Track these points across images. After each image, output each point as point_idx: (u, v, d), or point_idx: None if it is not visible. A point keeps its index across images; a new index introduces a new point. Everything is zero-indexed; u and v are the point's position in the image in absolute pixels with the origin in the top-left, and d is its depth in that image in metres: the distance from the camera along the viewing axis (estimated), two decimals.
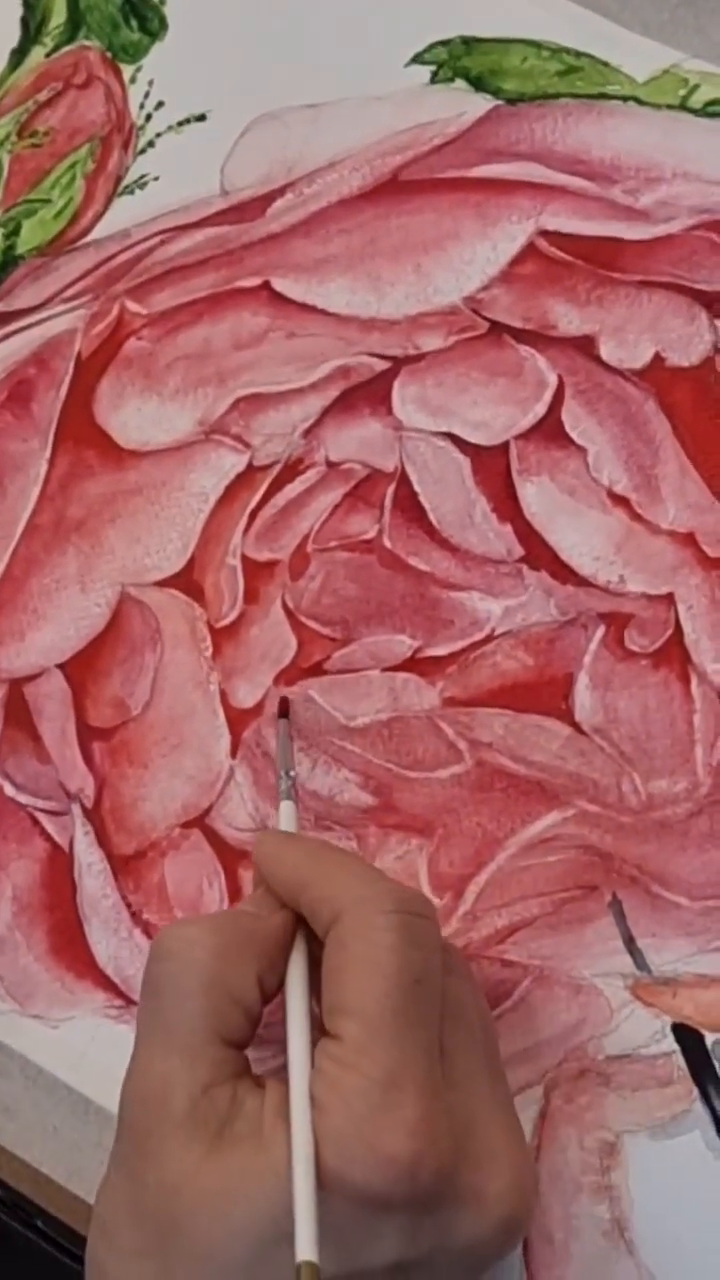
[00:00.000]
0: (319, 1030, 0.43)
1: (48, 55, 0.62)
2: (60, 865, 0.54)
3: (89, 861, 0.53)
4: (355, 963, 0.42)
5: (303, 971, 0.45)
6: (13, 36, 0.62)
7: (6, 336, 0.59)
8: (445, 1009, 0.43)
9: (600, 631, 0.52)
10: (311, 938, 0.45)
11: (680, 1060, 0.48)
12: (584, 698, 0.51)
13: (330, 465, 0.55)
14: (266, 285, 0.57)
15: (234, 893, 0.52)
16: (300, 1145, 0.40)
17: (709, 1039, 0.48)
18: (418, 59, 0.58)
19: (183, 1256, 0.41)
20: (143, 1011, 0.44)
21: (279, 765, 0.51)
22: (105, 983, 0.53)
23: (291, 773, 0.51)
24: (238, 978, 0.43)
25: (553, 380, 0.54)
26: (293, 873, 0.45)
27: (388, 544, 0.54)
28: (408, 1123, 0.39)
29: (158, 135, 0.60)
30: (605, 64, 0.57)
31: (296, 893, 0.45)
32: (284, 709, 0.52)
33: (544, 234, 0.55)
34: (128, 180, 0.60)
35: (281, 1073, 0.42)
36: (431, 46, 0.58)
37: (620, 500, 0.53)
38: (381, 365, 0.55)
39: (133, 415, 0.57)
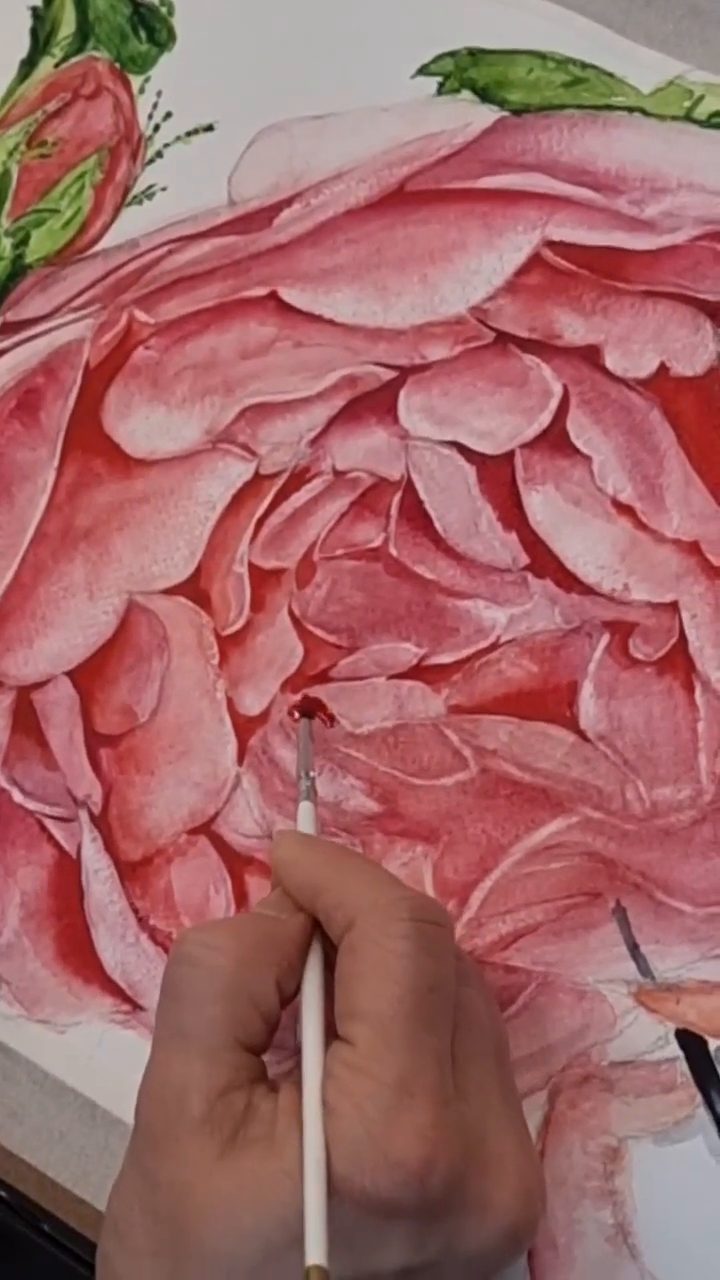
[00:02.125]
0: (331, 1034, 0.43)
1: (57, 66, 0.62)
2: (68, 871, 0.54)
3: (96, 868, 0.54)
4: (369, 969, 0.42)
5: (319, 976, 0.45)
6: (22, 47, 0.63)
7: (15, 345, 0.59)
8: (458, 1017, 0.43)
9: (605, 640, 0.52)
10: (327, 941, 0.45)
11: (684, 1066, 0.48)
12: (588, 705, 0.52)
13: (336, 474, 0.55)
14: (273, 295, 0.57)
15: (240, 898, 0.52)
16: (312, 1149, 0.40)
17: (712, 1045, 0.48)
18: (424, 70, 0.58)
19: (193, 1257, 0.41)
20: (162, 1013, 0.44)
21: (299, 765, 0.51)
22: (112, 988, 0.53)
23: (311, 773, 0.50)
24: (257, 984, 0.43)
25: (558, 390, 0.54)
26: (309, 876, 0.45)
27: (393, 552, 0.54)
28: (419, 1128, 0.40)
29: (166, 146, 0.60)
30: (610, 75, 0.57)
31: (312, 896, 0.45)
32: (307, 708, 0.53)
33: (549, 244, 0.56)
34: (136, 190, 0.60)
35: (295, 1076, 0.43)
36: (438, 58, 0.58)
37: (625, 509, 0.53)
38: (388, 375, 0.56)
39: (140, 424, 0.57)
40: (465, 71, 0.58)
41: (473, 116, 0.57)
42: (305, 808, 0.49)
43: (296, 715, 0.53)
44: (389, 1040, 0.41)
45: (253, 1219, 0.40)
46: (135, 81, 0.61)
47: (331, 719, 0.53)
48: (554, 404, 0.54)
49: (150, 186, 0.60)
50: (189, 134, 0.60)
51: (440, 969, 0.42)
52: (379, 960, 0.42)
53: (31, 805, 0.55)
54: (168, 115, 0.60)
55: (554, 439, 0.54)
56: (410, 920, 0.42)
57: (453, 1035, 0.43)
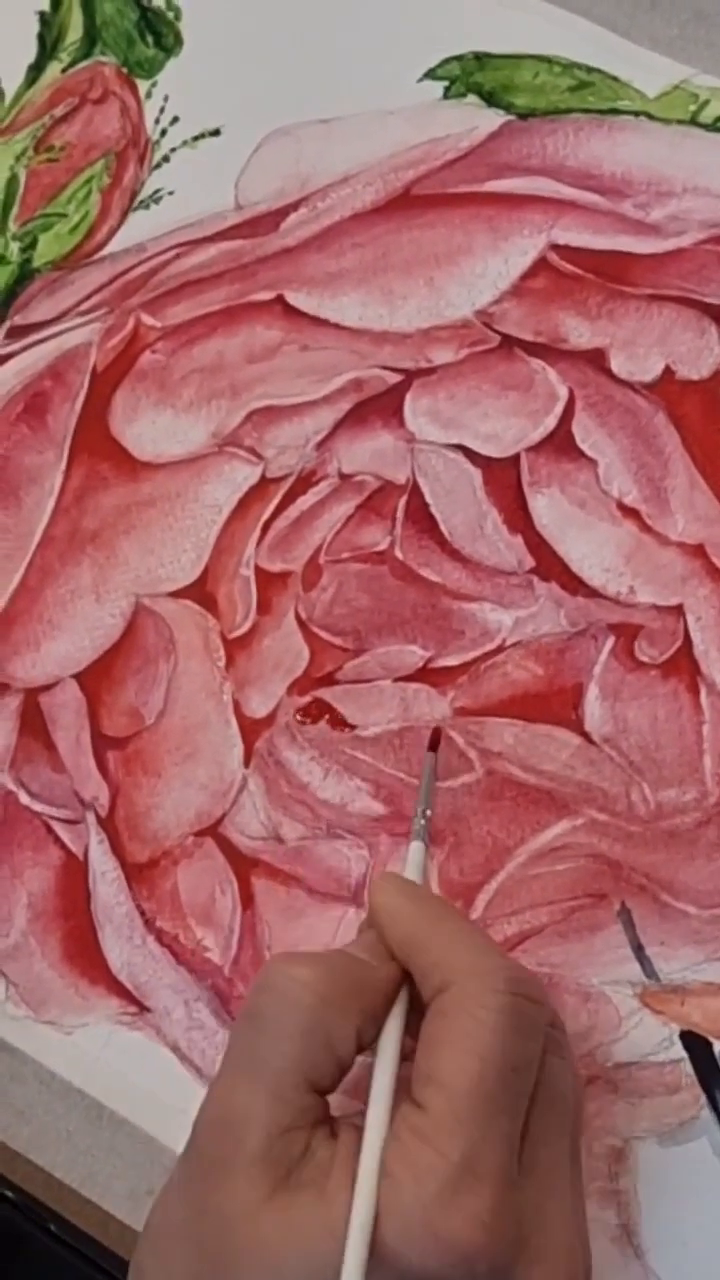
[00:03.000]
0: (402, 1093, 0.42)
1: (64, 71, 0.62)
2: (74, 873, 0.54)
3: (103, 869, 0.54)
4: (455, 1037, 0.41)
5: (398, 1032, 0.44)
6: (29, 52, 0.63)
7: (23, 349, 0.59)
8: (539, 1092, 0.42)
9: (610, 642, 0.52)
10: (413, 995, 0.44)
11: (688, 1067, 0.49)
12: (594, 708, 0.52)
13: (343, 477, 0.55)
14: (280, 299, 0.58)
15: (246, 900, 0.53)
16: (360, 1212, 0.39)
17: (717, 1046, 0.49)
18: (430, 74, 0.59)
19: None
20: (237, 1038, 0.43)
21: (419, 803, 0.50)
22: (118, 989, 0.53)
23: (428, 812, 0.49)
24: (338, 1027, 0.42)
25: (563, 393, 0.54)
26: (409, 930, 0.44)
27: (399, 555, 0.54)
28: (476, 1213, 0.39)
29: (172, 150, 0.60)
30: (616, 79, 0.57)
31: (409, 951, 0.44)
32: (434, 743, 0.51)
33: (555, 248, 0.56)
34: (143, 195, 0.60)
35: (359, 1123, 0.42)
36: (444, 62, 0.59)
37: (630, 512, 0.53)
38: (394, 378, 0.56)
39: (147, 428, 0.57)
40: (471, 76, 0.58)
41: (479, 120, 0.58)
42: (416, 849, 0.48)
43: (304, 724, 0.53)
44: (462, 1115, 0.40)
45: (293, 1269, 0.40)
46: (142, 86, 0.61)
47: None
48: (559, 407, 0.54)
49: (157, 191, 0.60)
50: (196, 138, 0.60)
51: (527, 1048, 0.42)
52: (468, 1030, 0.41)
53: (38, 807, 0.55)
54: (174, 120, 0.61)
55: (559, 442, 0.54)
56: (507, 993, 0.41)
57: (530, 1108, 0.42)
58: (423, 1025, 0.42)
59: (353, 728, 0.53)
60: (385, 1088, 0.42)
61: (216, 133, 0.60)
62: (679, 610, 0.52)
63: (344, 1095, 0.43)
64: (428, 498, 0.54)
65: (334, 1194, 0.40)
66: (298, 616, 0.54)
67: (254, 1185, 0.40)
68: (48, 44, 0.63)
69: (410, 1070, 0.42)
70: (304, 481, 0.56)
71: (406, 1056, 0.43)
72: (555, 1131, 0.43)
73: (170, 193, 0.60)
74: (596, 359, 0.55)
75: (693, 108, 0.56)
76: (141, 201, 0.60)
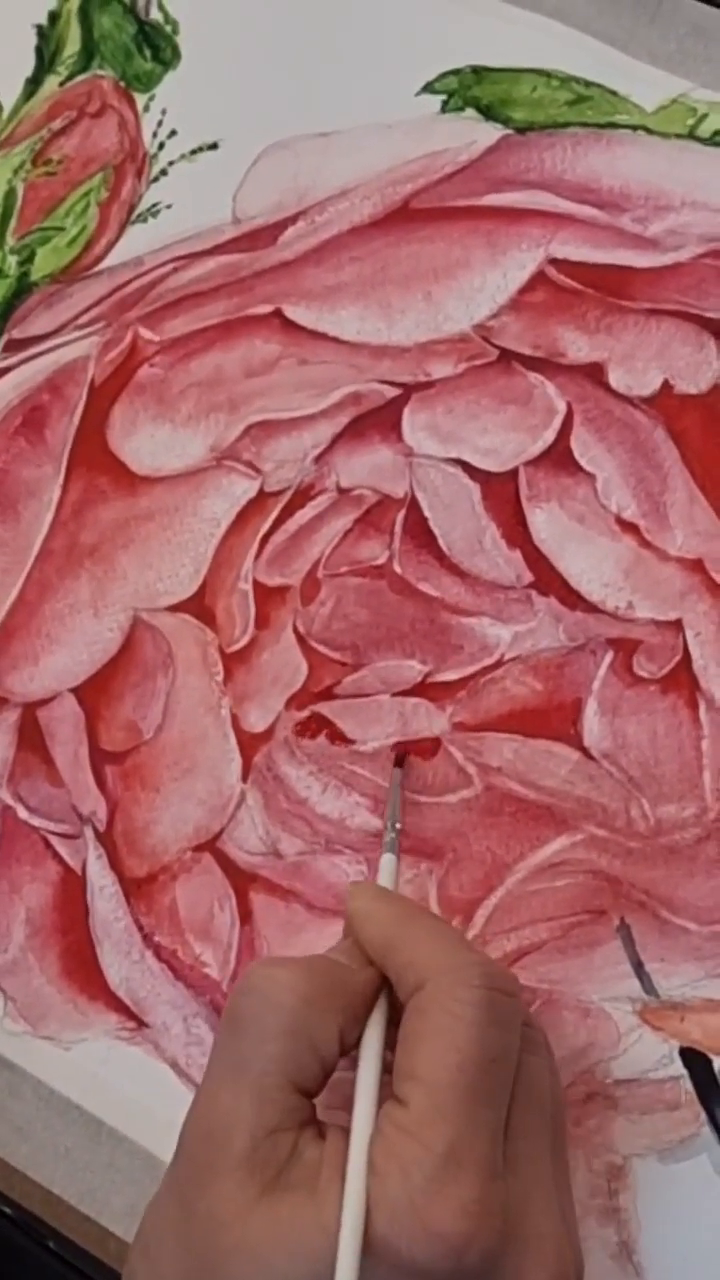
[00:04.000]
0: (385, 1093, 0.42)
1: (62, 84, 0.62)
2: (73, 888, 0.54)
3: (101, 884, 0.54)
4: (433, 1032, 0.42)
5: (380, 1031, 0.44)
6: (27, 65, 0.63)
7: (21, 363, 0.59)
8: (518, 1088, 0.43)
9: (609, 657, 0.52)
10: (393, 999, 0.45)
11: (688, 1084, 0.49)
12: (593, 723, 0.52)
13: (341, 491, 0.55)
14: (278, 313, 0.57)
15: (244, 915, 0.53)
16: (351, 1207, 0.40)
17: (717, 1063, 0.49)
18: (428, 88, 0.59)
19: None
20: (220, 1043, 0.44)
21: (388, 817, 0.51)
22: (117, 1005, 0.53)
23: (398, 825, 0.50)
24: (321, 1028, 0.43)
25: (562, 407, 0.54)
26: (382, 932, 0.45)
27: (398, 569, 0.54)
28: (463, 1202, 0.39)
29: (170, 164, 0.60)
30: (614, 93, 0.57)
31: (384, 953, 0.44)
32: (400, 759, 0.52)
33: (553, 262, 0.56)
34: (141, 208, 0.60)
35: (344, 1124, 0.42)
36: (442, 76, 0.58)
37: (629, 527, 0.53)
38: (392, 392, 0.56)
39: (145, 441, 0.57)
40: (469, 89, 0.58)
41: (477, 134, 0.58)
42: (388, 860, 0.49)
43: (302, 739, 0.53)
44: (444, 1108, 0.40)
45: (285, 1267, 0.40)
46: (140, 99, 0.61)
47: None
48: (558, 422, 0.54)
49: (155, 204, 0.60)
50: (194, 152, 0.60)
51: (505, 1040, 0.42)
52: (445, 1025, 0.41)
53: (36, 822, 0.55)
54: (172, 133, 0.61)
55: (558, 457, 0.54)
56: (481, 988, 0.42)
57: (510, 1105, 0.42)
58: (402, 1023, 0.43)
59: (351, 742, 0.53)
60: (369, 1086, 0.43)
61: (214, 146, 0.60)
62: (678, 625, 0.52)
63: (326, 1107, 0.44)
64: (426, 512, 0.54)
65: (324, 1193, 0.40)
66: (296, 631, 0.54)
67: (242, 1187, 0.41)
68: (45, 57, 0.63)
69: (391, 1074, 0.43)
70: (302, 495, 0.56)
71: (387, 1067, 0.43)
72: (536, 1127, 0.43)
73: (168, 206, 0.60)
74: (595, 373, 0.55)
75: (691, 122, 0.56)
76: (139, 215, 0.60)
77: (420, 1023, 0.42)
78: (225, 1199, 0.41)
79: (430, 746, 0.52)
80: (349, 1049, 0.44)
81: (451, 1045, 0.41)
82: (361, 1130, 0.41)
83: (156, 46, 0.62)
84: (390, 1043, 0.44)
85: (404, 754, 0.52)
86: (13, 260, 0.60)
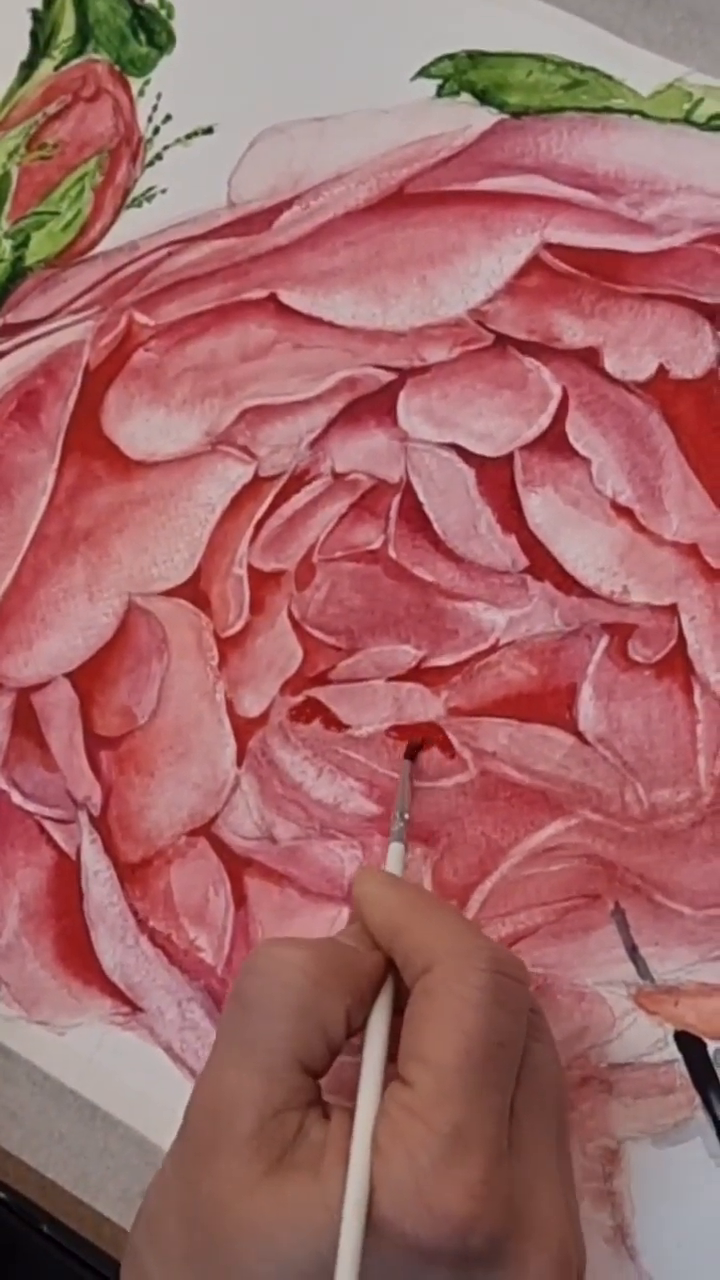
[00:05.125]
0: (390, 1075, 0.42)
1: (56, 68, 0.62)
2: (67, 873, 0.54)
3: (96, 869, 0.54)
4: (440, 1014, 0.42)
5: (386, 1014, 0.44)
6: (22, 49, 0.63)
7: (15, 348, 0.59)
8: (523, 1072, 0.43)
9: (604, 642, 0.52)
10: (399, 983, 0.44)
11: (682, 1068, 0.49)
12: (588, 708, 0.52)
13: (336, 476, 0.55)
14: (273, 297, 0.57)
15: (239, 900, 0.53)
16: (355, 1186, 0.40)
17: (711, 1047, 0.49)
18: (424, 72, 0.58)
19: (223, 1274, 0.41)
20: (227, 1021, 0.44)
21: (397, 806, 0.51)
22: (111, 989, 0.53)
23: (405, 815, 0.50)
24: (329, 1008, 0.42)
25: (557, 392, 0.54)
26: (389, 916, 0.45)
27: (393, 554, 0.54)
28: (468, 1184, 0.39)
29: (165, 148, 0.60)
30: (610, 78, 0.57)
31: (391, 937, 0.44)
32: (412, 751, 0.52)
33: (549, 246, 0.56)
34: (136, 193, 0.60)
35: (350, 1105, 0.42)
36: (437, 60, 0.58)
37: (624, 511, 0.53)
38: (387, 377, 0.56)
39: (140, 426, 0.57)
40: (464, 74, 0.58)
41: (472, 119, 0.57)
42: (396, 849, 0.49)
43: (297, 724, 0.53)
44: (449, 1090, 0.40)
45: (289, 1245, 0.40)
46: (135, 84, 0.61)
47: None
48: (553, 406, 0.54)
49: (150, 189, 0.60)
50: (189, 136, 0.60)
51: (512, 1024, 0.42)
52: (452, 1008, 0.41)
53: (31, 807, 0.55)
54: (167, 118, 0.60)
55: (553, 441, 0.54)
56: (488, 971, 0.42)
57: (516, 1090, 0.42)
58: (408, 1005, 0.43)
59: (346, 727, 0.53)
60: (375, 1068, 0.43)
61: (209, 131, 0.60)
62: (673, 610, 0.52)
63: (329, 1091, 0.44)
64: (421, 497, 0.54)
65: (329, 1172, 0.40)
66: (291, 616, 0.54)
67: (248, 1165, 0.41)
68: (40, 41, 0.62)
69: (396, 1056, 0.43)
70: (297, 480, 0.55)
71: (391, 1054, 0.43)
72: (540, 1113, 0.43)
73: (163, 191, 0.60)
74: (590, 358, 0.54)
75: (686, 106, 0.56)
76: (134, 199, 0.60)
77: (427, 1005, 0.42)
78: (230, 1178, 0.41)
79: (440, 737, 0.52)
80: (355, 1031, 0.44)
81: (459, 1028, 0.41)
82: (366, 1109, 0.41)
83: (151, 31, 0.62)
84: (394, 1027, 0.44)
85: (417, 747, 0.52)
86: (7, 245, 0.60)
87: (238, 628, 0.55)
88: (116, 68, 0.61)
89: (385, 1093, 0.42)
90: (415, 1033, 0.42)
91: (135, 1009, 0.53)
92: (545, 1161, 0.42)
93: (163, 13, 0.62)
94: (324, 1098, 0.43)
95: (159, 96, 0.61)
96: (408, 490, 0.54)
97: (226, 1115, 0.42)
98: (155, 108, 0.61)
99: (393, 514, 0.54)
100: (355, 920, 0.46)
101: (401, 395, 0.55)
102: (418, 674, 0.53)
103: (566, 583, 0.53)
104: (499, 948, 0.44)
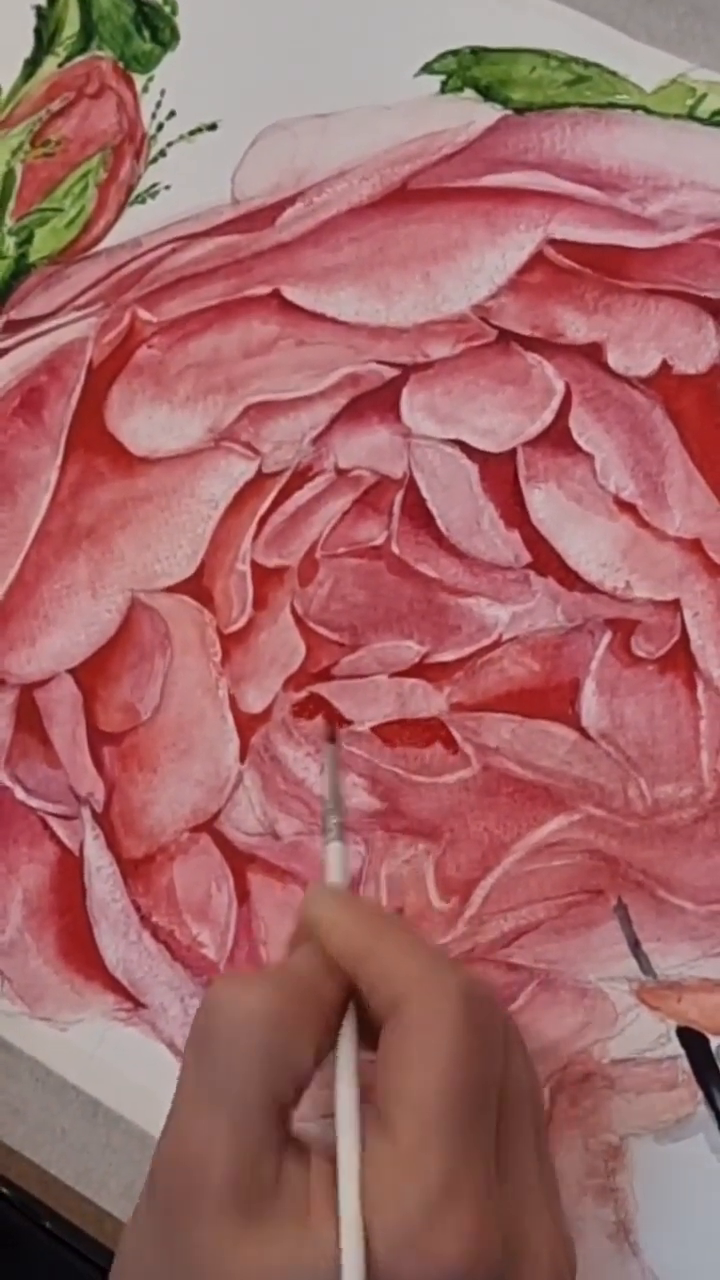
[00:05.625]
0: (367, 1104, 0.41)
1: (60, 65, 0.62)
2: (70, 869, 0.54)
3: (99, 865, 0.54)
4: (420, 1056, 0.40)
5: (353, 1048, 0.42)
6: (26, 46, 0.63)
7: (19, 344, 0.59)
8: (503, 1093, 0.42)
9: (607, 637, 0.52)
10: (361, 1006, 0.43)
11: (685, 1064, 0.49)
12: (590, 703, 0.52)
13: (339, 472, 0.55)
14: (276, 294, 0.57)
15: (242, 896, 0.53)
16: (350, 1243, 0.38)
17: (713, 1043, 0.49)
18: (427, 69, 0.58)
19: None
20: (190, 1069, 0.42)
21: (328, 801, 0.48)
22: (114, 985, 0.53)
23: (341, 808, 0.48)
24: (296, 1047, 0.41)
25: (560, 388, 0.54)
26: (350, 943, 0.43)
27: (396, 550, 0.54)
28: (462, 1230, 0.38)
29: (169, 145, 0.60)
30: (613, 73, 0.57)
31: (354, 963, 0.42)
32: (331, 733, 0.51)
33: (552, 242, 0.56)
34: (139, 189, 0.60)
35: (324, 1143, 0.41)
36: (441, 56, 0.58)
37: (627, 507, 0.53)
38: (390, 373, 0.56)
39: (143, 422, 0.57)
40: (468, 70, 0.58)
41: (475, 115, 0.57)
42: (335, 850, 0.47)
43: (300, 720, 0.53)
44: (435, 1135, 0.39)
45: None
46: (139, 80, 0.61)
47: (342, 722, 0.52)
48: (556, 402, 0.54)
49: (154, 185, 0.60)
50: (192, 133, 0.60)
51: (491, 1055, 0.41)
52: (430, 1047, 0.40)
53: (34, 803, 0.55)
54: (171, 114, 0.60)
55: (556, 437, 0.54)
56: (462, 1001, 0.40)
57: (497, 1114, 0.41)
58: (381, 1039, 0.41)
59: (349, 723, 0.53)
60: (351, 1108, 0.41)
61: (213, 127, 0.60)
62: (676, 605, 0.52)
63: (299, 1119, 0.42)
64: (424, 493, 0.54)
65: (317, 1225, 0.39)
66: (294, 612, 0.54)
67: (228, 1220, 0.39)
68: (44, 38, 0.62)
69: (369, 1077, 0.41)
70: (300, 477, 0.55)
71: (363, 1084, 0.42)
72: (522, 1131, 0.42)
73: (167, 187, 0.60)
74: (593, 353, 0.54)
75: (690, 102, 0.56)
76: (138, 196, 0.60)
77: (404, 1043, 0.40)
78: (209, 1235, 0.39)
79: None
80: (321, 1060, 0.42)
81: (442, 1072, 0.40)
82: (349, 1157, 0.40)
83: (155, 27, 0.62)
84: (362, 1047, 0.43)
85: (333, 726, 0.51)
86: (11, 241, 0.60)
87: (241, 624, 0.55)
88: (120, 64, 0.61)
89: (368, 1137, 0.40)
90: (395, 1073, 0.40)
91: (138, 1005, 0.53)
92: (529, 1178, 0.42)
93: (166, 9, 0.62)
94: (294, 1127, 0.42)
95: (163, 93, 0.61)
96: (411, 486, 0.54)
97: (198, 1169, 0.40)
98: (159, 104, 0.61)
99: (396, 510, 0.54)
100: (304, 939, 0.44)
101: (405, 391, 0.55)
102: (421, 670, 0.53)
103: (569, 578, 0.53)
104: (466, 972, 0.42)
